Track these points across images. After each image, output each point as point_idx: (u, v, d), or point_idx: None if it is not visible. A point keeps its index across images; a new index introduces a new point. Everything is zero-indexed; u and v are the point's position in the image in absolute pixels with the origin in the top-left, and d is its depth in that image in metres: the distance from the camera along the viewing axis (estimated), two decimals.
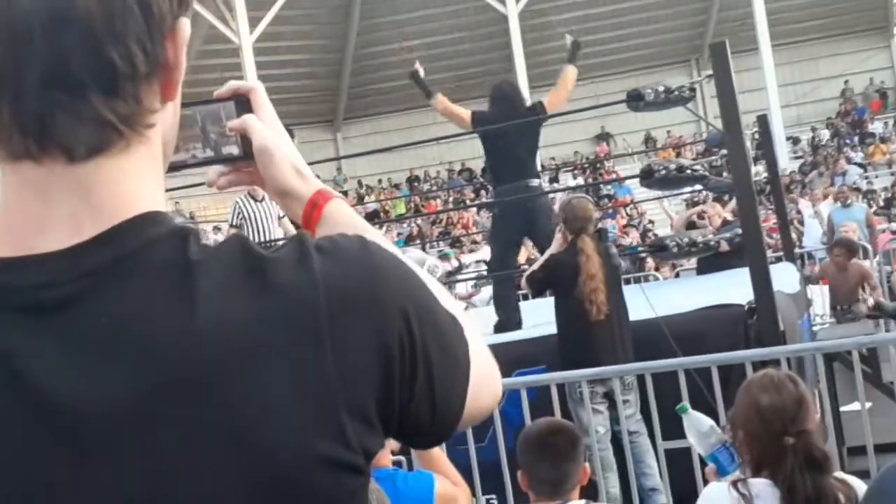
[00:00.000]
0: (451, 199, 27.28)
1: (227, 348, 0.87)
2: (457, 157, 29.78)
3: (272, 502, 0.89)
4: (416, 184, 30.23)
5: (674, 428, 4.58)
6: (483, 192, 24.56)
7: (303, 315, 0.91)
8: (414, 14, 29.63)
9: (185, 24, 0.94)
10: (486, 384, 1.09)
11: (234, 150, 1.21)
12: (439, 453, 3.36)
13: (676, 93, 6.80)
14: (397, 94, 31.13)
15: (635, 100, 6.70)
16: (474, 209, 22.57)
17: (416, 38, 29.82)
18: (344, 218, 1.20)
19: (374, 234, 1.12)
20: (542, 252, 7.25)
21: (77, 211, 0.90)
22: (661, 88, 6.74)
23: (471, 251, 17.20)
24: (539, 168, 8.47)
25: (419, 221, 23.75)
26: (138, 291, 0.88)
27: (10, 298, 0.88)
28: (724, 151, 8.00)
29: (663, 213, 20.97)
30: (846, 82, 30.38)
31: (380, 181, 31.15)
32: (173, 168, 1.12)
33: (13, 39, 0.87)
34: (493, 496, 5.16)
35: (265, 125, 1.21)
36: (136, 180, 0.93)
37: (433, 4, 29.50)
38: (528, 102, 8.05)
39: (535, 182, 7.46)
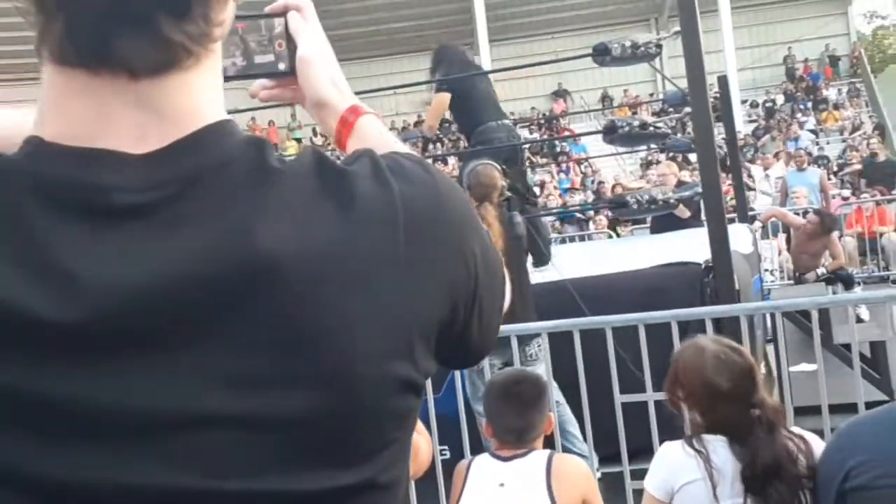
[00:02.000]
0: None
1: (312, 259, 0.87)
2: (413, 109, 29.65)
3: (347, 422, 0.89)
4: None
5: (630, 382, 4.65)
6: (438, 145, 24.48)
7: (385, 238, 0.91)
8: None
9: None
10: (507, 294, 1.14)
11: (279, 64, 1.22)
12: None
13: (643, 49, 6.80)
14: (354, 41, 30.83)
15: (602, 54, 6.69)
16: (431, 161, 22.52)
17: None
18: (375, 133, 1.22)
19: (404, 150, 1.13)
20: (516, 186, 7.28)
21: (143, 120, 0.87)
22: (627, 44, 6.73)
23: None
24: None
25: None
26: (224, 202, 0.86)
27: (68, 195, 0.84)
28: (686, 111, 8.04)
29: (615, 172, 21.08)
30: (789, 48, 30.50)
31: None
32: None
33: None
34: (446, 447, 5.19)
35: (313, 38, 1.23)
36: (202, 92, 0.91)
37: None
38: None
39: (509, 122, 7.49)
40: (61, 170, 0.84)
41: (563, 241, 13.23)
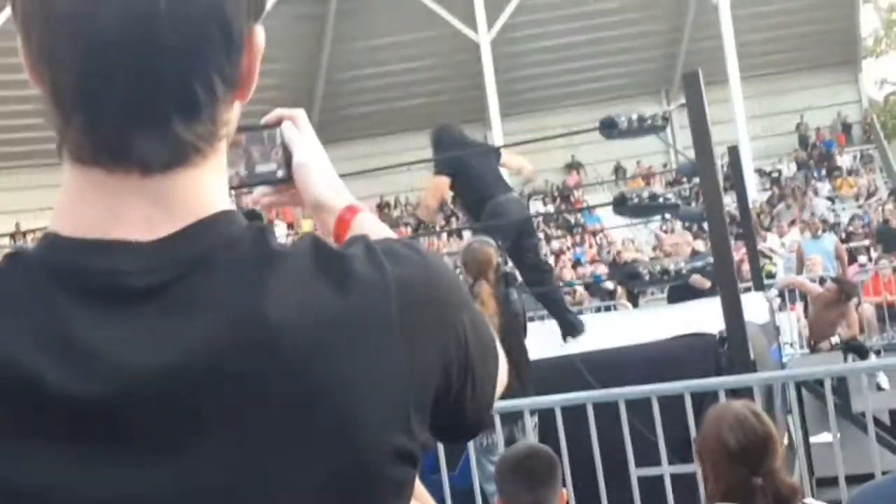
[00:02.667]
0: (422, 226, 27.33)
1: (311, 338, 0.90)
2: (427, 184, 29.85)
3: (349, 490, 0.92)
4: (385, 210, 30.25)
5: (647, 454, 4.61)
6: (453, 220, 24.59)
7: (379, 309, 0.95)
8: (387, 40, 29.74)
9: (259, 33, 0.97)
10: (504, 373, 1.19)
11: (280, 172, 1.30)
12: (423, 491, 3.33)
13: (649, 121, 6.87)
14: (370, 119, 31.21)
15: (608, 127, 6.76)
16: (444, 235, 22.60)
17: (389, 65, 29.95)
18: (370, 227, 1.27)
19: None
20: (515, 262, 7.26)
21: (152, 214, 0.92)
22: (634, 117, 6.81)
23: None
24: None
25: None
26: (226, 283, 0.90)
27: (84, 281, 0.88)
28: (696, 181, 8.07)
29: (630, 245, 21.09)
30: (801, 116, 30.68)
31: None
32: None
33: (100, 63, 0.88)
34: None
35: (307, 145, 1.31)
36: (208, 186, 0.96)
37: (406, 31, 29.62)
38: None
39: (516, 195, 7.49)
40: (76, 258, 0.89)
41: (580, 312, 13.20)
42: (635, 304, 13.35)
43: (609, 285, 14.72)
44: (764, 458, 2.83)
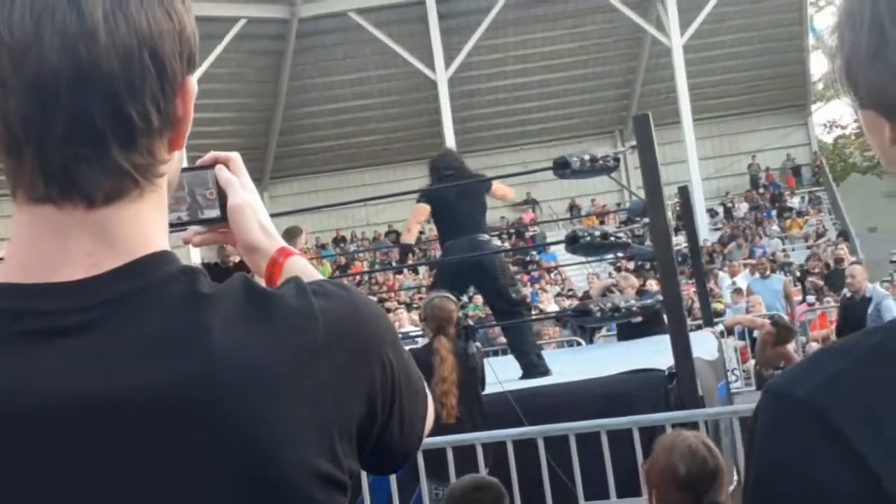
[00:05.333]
0: (377, 261, 27.32)
1: (239, 373, 0.96)
2: (383, 219, 29.89)
3: None
4: (342, 244, 30.23)
5: (595, 487, 4.69)
6: (409, 255, 24.62)
7: (305, 342, 1.00)
8: (344, 77, 29.87)
9: (192, 82, 1.03)
10: (431, 410, 1.23)
11: (214, 212, 1.33)
12: None
13: (601, 162, 6.98)
14: (326, 154, 31.27)
15: (562, 167, 6.86)
16: (402, 271, 22.62)
17: (347, 101, 30.06)
18: (302, 270, 1.31)
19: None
20: (488, 304, 7.28)
21: (95, 251, 0.98)
22: (586, 157, 6.91)
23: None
24: None
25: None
26: (158, 320, 0.96)
27: (21, 323, 0.95)
28: (647, 220, 8.22)
29: (584, 282, 21.25)
30: (753, 157, 31.17)
31: (306, 241, 31.06)
32: None
33: (41, 93, 0.94)
34: None
35: (241, 187, 1.33)
36: (147, 224, 1.02)
37: (364, 68, 29.78)
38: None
39: (484, 237, 7.57)
40: (14, 304, 0.96)
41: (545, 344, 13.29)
42: (589, 341, 13.47)
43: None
44: (710, 489, 2.91)
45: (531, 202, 30.32)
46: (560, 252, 21.66)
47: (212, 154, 1.35)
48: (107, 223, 0.99)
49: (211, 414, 0.94)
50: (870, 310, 9.07)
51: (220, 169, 1.33)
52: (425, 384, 1.20)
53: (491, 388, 6.08)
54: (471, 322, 6.47)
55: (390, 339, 1.10)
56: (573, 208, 30.26)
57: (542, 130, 31.06)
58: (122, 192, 0.99)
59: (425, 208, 7.43)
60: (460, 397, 5.53)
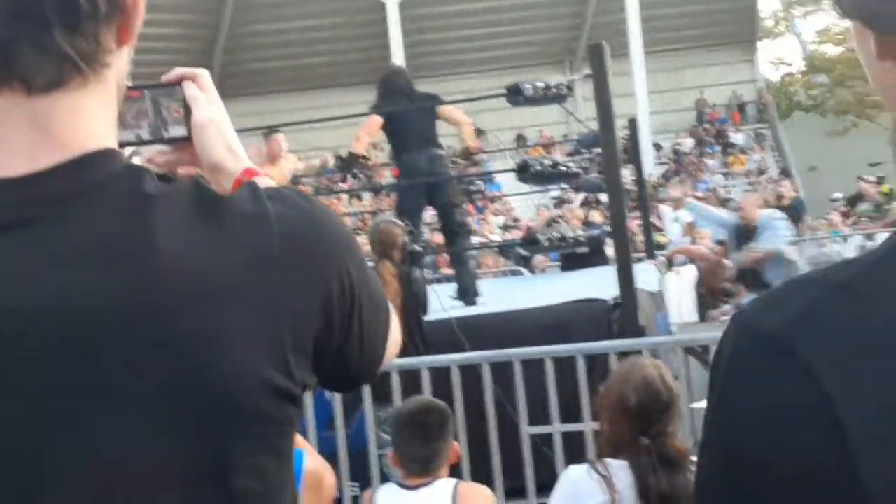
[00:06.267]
0: (322, 186, 27.14)
1: (186, 279, 0.92)
2: (330, 143, 29.64)
3: (220, 423, 0.94)
4: None
5: (538, 414, 4.74)
6: (354, 180, 24.48)
7: (258, 250, 0.97)
8: None
9: None
10: (397, 332, 1.21)
11: (180, 131, 1.28)
12: (301, 439, 3.37)
13: (554, 90, 6.96)
14: (272, 75, 30.80)
15: (514, 94, 6.83)
16: (345, 196, 22.49)
17: (293, 21, 29.57)
18: None
19: None
20: (443, 220, 7.33)
21: (33, 140, 0.94)
22: (539, 85, 6.89)
23: None
24: None
25: None
26: (100, 222, 0.92)
27: None
28: (595, 152, 8.23)
29: (529, 213, 21.32)
30: (701, 92, 31.29)
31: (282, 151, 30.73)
32: (120, 146, 1.16)
33: None
34: (357, 484, 5.20)
35: (208, 104, 1.28)
36: (91, 117, 0.97)
37: None
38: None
39: (441, 151, 7.54)
40: None
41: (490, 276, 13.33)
42: (530, 271, 13.53)
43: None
44: (659, 421, 2.93)
45: (478, 131, 30.22)
46: (505, 182, 21.67)
47: (178, 70, 1.30)
48: (46, 112, 0.94)
49: (156, 322, 0.91)
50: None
51: (187, 85, 1.28)
52: (385, 298, 1.16)
53: (436, 314, 6.10)
54: (417, 248, 6.44)
55: (353, 254, 1.06)
56: (520, 138, 30.22)
57: (491, 59, 30.85)
58: (64, 80, 0.94)
59: (377, 120, 7.35)
60: (403, 322, 5.50)
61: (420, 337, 5.75)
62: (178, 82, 1.28)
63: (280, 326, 0.97)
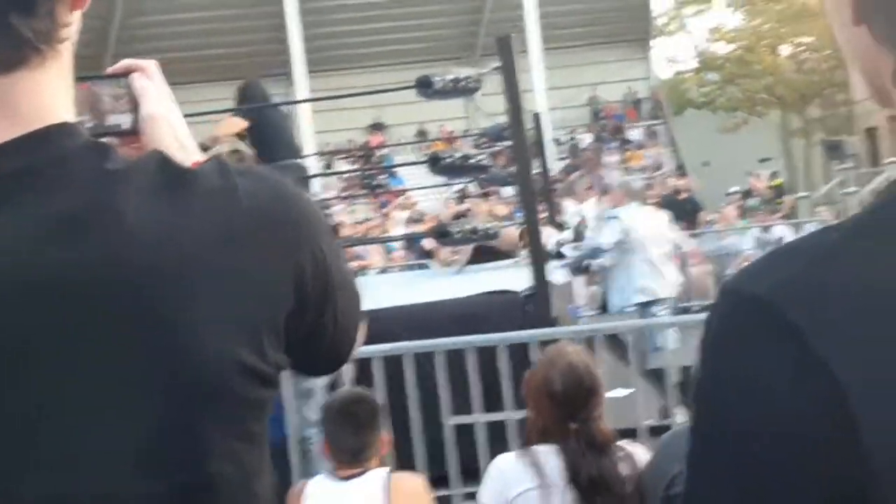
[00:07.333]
0: None
1: (152, 255, 0.90)
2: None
3: (194, 406, 0.92)
4: None
5: (459, 404, 4.77)
6: None
7: (225, 222, 0.95)
8: None
9: None
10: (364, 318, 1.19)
11: (127, 123, 1.24)
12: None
13: (463, 83, 7.00)
14: (166, 68, 29.96)
15: (424, 86, 6.85)
16: None
17: (188, 12, 29.07)
18: None
19: None
20: None
21: None
22: (449, 77, 6.92)
23: None
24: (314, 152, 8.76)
25: None
26: (64, 195, 0.90)
27: None
28: (503, 144, 8.29)
29: (433, 207, 21.36)
30: (595, 90, 31.76)
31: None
32: None
33: None
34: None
35: (157, 97, 1.25)
36: (51, 93, 0.95)
37: None
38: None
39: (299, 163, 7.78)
40: None
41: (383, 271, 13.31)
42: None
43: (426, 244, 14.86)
44: (584, 406, 2.99)
45: (379, 125, 30.18)
46: (407, 177, 21.69)
47: (125, 62, 1.27)
48: (7, 92, 0.93)
49: (122, 299, 0.89)
50: None
51: (135, 77, 1.24)
52: (359, 290, 1.15)
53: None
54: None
55: (323, 232, 1.05)
56: (422, 133, 30.24)
57: (391, 52, 30.78)
58: (23, 61, 0.93)
59: (240, 122, 7.39)
60: None
61: None
62: (126, 74, 1.25)
63: (250, 304, 0.95)
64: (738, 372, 0.75)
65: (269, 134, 7.36)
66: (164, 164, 0.96)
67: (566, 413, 2.97)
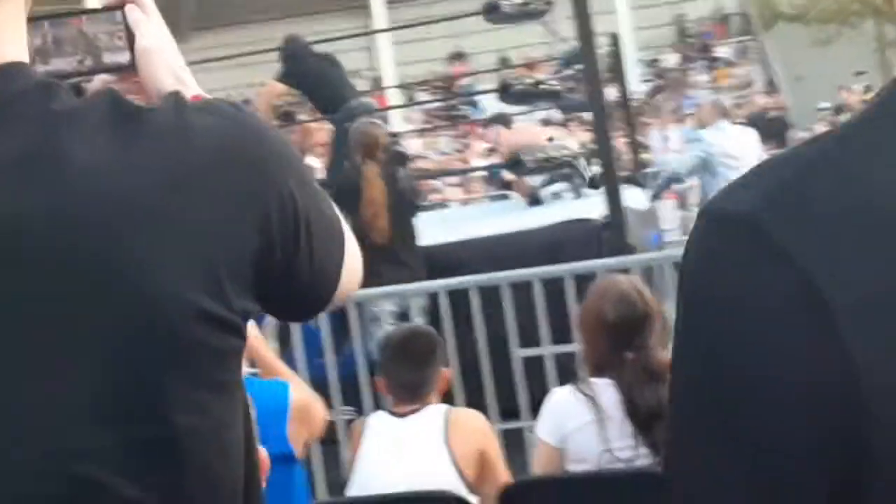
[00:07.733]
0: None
1: (102, 200, 0.87)
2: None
3: (155, 353, 0.88)
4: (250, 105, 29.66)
5: (529, 336, 4.72)
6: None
7: (180, 166, 0.91)
8: None
9: None
10: (355, 261, 1.11)
11: (122, 58, 1.21)
12: (289, 372, 3.34)
13: (533, 6, 6.86)
14: (240, 5, 30.34)
15: (491, 11, 6.75)
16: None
17: None
18: None
19: None
20: None
21: None
22: (518, 1, 6.79)
23: None
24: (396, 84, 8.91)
25: None
26: (11, 137, 0.87)
27: None
28: (577, 68, 8.12)
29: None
30: (681, 6, 30.93)
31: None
32: (60, 77, 1.10)
33: None
34: (351, 408, 5.19)
35: (152, 29, 1.21)
36: (1, 33, 0.92)
37: None
38: None
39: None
40: None
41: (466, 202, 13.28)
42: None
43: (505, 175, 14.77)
44: (638, 334, 2.91)
45: (459, 55, 29.93)
46: (489, 107, 21.49)
47: None
48: None
49: (70, 247, 0.85)
50: None
51: (129, 10, 1.19)
52: (347, 231, 1.08)
53: (423, 240, 6.08)
54: (400, 148, 6.52)
55: (294, 170, 0.99)
56: (503, 61, 29.92)
57: None
58: None
59: (278, 87, 7.79)
60: (391, 220, 5.58)
61: (410, 233, 5.85)
62: (120, 7, 1.20)
63: (208, 248, 0.91)
64: (717, 293, 0.68)
65: (318, 85, 7.44)
66: (115, 104, 0.92)
67: (621, 343, 2.90)
